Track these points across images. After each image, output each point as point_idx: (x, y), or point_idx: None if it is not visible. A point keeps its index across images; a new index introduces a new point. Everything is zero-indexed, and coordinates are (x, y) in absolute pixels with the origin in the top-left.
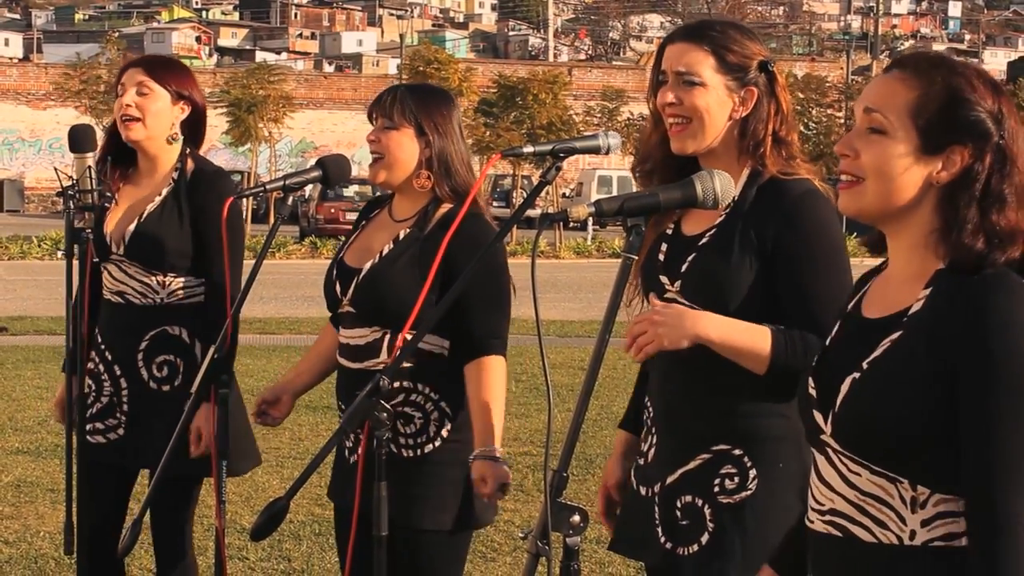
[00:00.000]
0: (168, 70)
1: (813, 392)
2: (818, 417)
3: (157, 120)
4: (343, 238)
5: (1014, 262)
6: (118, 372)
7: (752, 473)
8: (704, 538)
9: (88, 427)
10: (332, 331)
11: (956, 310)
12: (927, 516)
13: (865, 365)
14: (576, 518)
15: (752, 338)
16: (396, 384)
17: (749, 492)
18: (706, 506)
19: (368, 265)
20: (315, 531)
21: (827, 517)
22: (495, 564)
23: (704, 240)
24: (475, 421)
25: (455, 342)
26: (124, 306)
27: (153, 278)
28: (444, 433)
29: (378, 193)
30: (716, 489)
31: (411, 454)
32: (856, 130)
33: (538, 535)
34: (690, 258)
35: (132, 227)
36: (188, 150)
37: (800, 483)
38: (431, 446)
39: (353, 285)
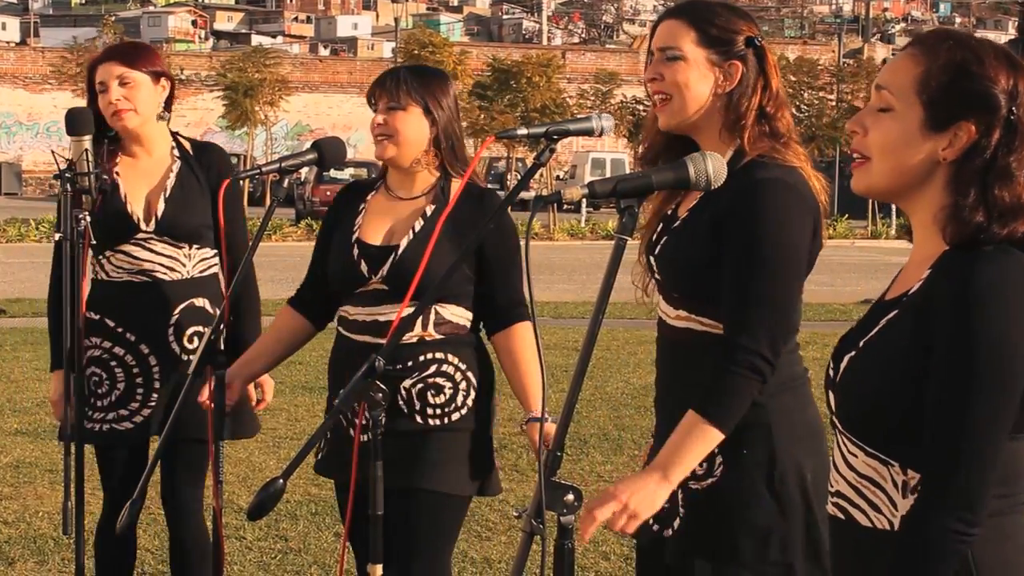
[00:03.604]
0: (139, 54)
1: (831, 372)
2: (830, 397)
3: (147, 105)
4: (321, 221)
5: (1019, 238)
6: (145, 351)
7: (718, 460)
8: (676, 522)
9: (112, 415)
10: (290, 314)
11: (943, 285)
12: None
13: (862, 344)
14: (570, 497)
15: (698, 443)
16: (429, 355)
17: (714, 479)
18: (679, 491)
19: (404, 242)
20: (311, 511)
21: (835, 499)
22: (490, 543)
23: (677, 223)
24: (518, 389)
25: (480, 314)
26: (150, 284)
27: (180, 251)
28: (469, 402)
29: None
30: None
31: (437, 423)
32: (867, 108)
33: (532, 514)
34: (663, 240)
35: (161, 203)
36: (176, 131)
37: (768, 471)
38: (458, 414)
39: (389, 263)
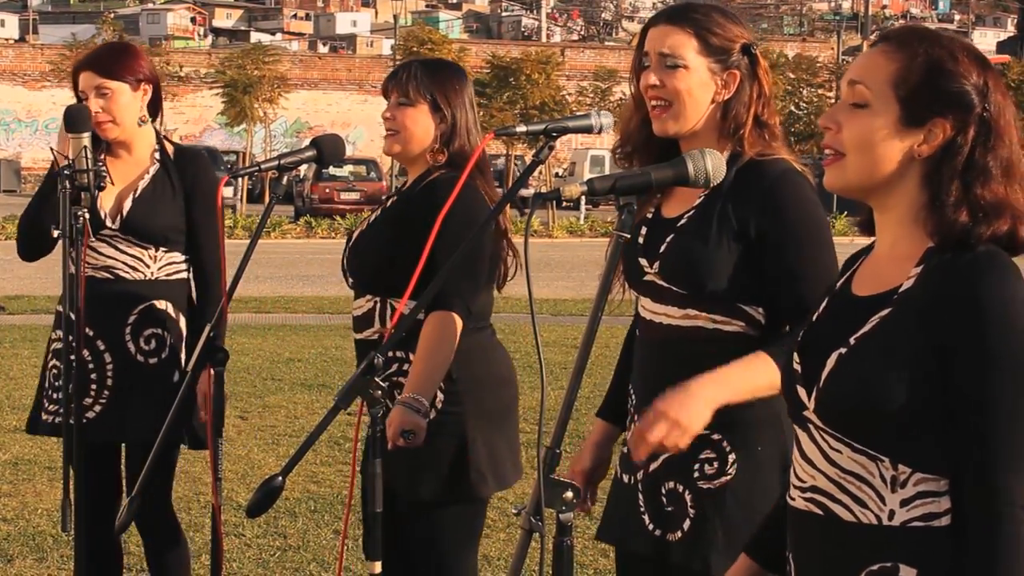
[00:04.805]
0: (116, 62)
1: (798, 367)
2: (801, 393)
3: (126, 114)
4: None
5: (1001, 237)
6: (101, 347)
7: (731, 458)
8: (686, 524)
9: (64, 409)
10: None
11: (948, 290)
12: (907, 496)
13: (852, 341)
14: (569, 494)
15: (757, 374)
16: (390, 353)
17: (729, 477)
18: (687, 492)
19: (356, 232)
20: (310, 508)
21: (808, 494)
22: (489, 540)
23: (683, 221)
24: (412, 368)
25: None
26: (112, 281)
27: (145, 252)
28: (438, 404)
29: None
30: (696, 475)
31: None
32: (839, 103)
33: (531, 511)
34: (668, 239)
35: (128, 202)
36: (162, 134)
37: (780, 465)
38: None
39: (346, 251)
